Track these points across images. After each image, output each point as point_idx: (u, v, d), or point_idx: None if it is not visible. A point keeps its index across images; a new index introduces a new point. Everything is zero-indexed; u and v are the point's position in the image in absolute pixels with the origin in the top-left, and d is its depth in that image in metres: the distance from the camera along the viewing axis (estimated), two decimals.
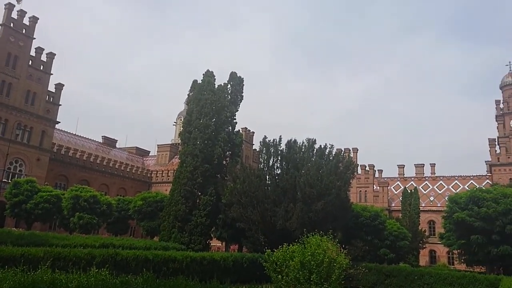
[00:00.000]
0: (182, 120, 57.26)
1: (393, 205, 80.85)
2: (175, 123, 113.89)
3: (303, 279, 18.03)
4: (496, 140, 77.64)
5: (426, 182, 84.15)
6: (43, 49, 61.48)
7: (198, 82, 39.83)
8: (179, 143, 74.60)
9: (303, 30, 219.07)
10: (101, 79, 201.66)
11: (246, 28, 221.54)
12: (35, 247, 16.95)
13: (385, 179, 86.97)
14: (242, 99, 40.37)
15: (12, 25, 57.43)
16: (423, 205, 75.38)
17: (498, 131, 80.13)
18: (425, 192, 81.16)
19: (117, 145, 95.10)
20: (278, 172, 33.37)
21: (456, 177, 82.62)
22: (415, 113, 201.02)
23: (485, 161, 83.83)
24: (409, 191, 71.26)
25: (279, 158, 33.55)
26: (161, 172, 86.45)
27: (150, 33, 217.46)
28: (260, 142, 35.08)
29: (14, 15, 58.09)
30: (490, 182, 69.61)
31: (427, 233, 68.34)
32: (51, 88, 63.20)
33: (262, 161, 34.47)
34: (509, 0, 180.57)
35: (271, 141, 34.14)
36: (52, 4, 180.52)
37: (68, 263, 16.20)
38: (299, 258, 18.61)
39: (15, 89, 57.13)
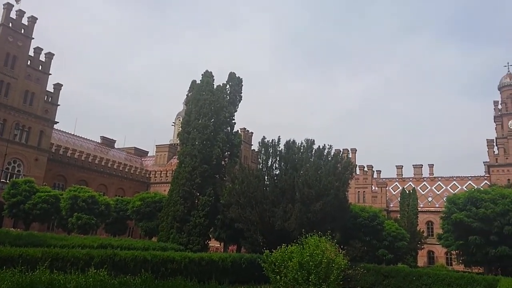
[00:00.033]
0: (181, 120, 57.29)
1: (391, 205, 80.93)
2: (173, 124, 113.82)
3: (301, 280, 18.05)
4: (495, 141, 77.81)
5: (424, 182, 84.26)
6: (41, 49, 61.42)
7: (197, 82, 39.85)
8: (177, 144, 74.57)
9: (303, 30, 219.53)
10: (100, 79, 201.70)
11: (246, 28, 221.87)
12: (33, 248, 16.91)
13: (384, 179, 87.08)
14: (241, 99, 40.42)
15: (10, 25, 57.36)
16: (421, 205, 75.43)
17: (497, 132, 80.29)
18: (423, 193, 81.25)
19: (116, 146, 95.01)
20: (277, 172, 33.37)
21: (454, 178, 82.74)
22: (414, 113, 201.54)
23: (483, 162, 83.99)
24: (407, 192, 71.33)
25: (278, 159, 33.55)
26: (159, 172, 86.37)
27: (149, 33, 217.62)
28: (259, 142, 35.12)
29: (13, 15, 58.02)
30: (488, 183, 69.73)
31: (425, 234, 68.39)
32: (50, 88, 63.13)
33: (260, 161, 34.47)
34: (509, 1, 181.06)
35: (270, 141, 34.16)
36: (51, 4, 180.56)
37: (66, 263, 16.17)
38: (297, 259, 18.63)
39: (13, 89, 57.04)
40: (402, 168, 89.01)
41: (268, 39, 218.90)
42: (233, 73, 40.54)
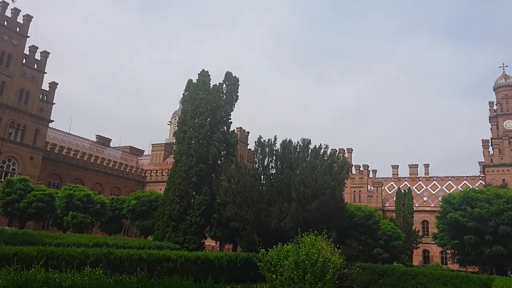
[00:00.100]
0: (177, 119, 57.17)
1: (387, 205, 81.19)
2: (169, 123, 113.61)
3: (297, 279, 18.04)
4: (490, 141, 78.23)
5: (420, 182, 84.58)
6: (37, 48, 61.15)
7: (193, 81, 39.77)
8: (173, 143, 74.42)
9: (301, 30, 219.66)
10: (96, 78, 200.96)
11: (244, 28, 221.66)
12: (28, 246, 16.84)
13: (379, 179, 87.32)
14: (237, 99, 40.34)
15: (6, 23, 57.08)
16: (416, 205, 75.76)
17: (492, 132, 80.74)
18: (418, 193, 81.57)
19: (111, 144, 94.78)
20: (273, 172, 33.38)
21: (450, 178, 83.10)
22: (410, 114, 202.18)
23: (479, 162, 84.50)
24: (403, 191, 71.60)
25: (274, 158, 33.56)
26: (155, 171, 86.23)
27: (146, 33, 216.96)
28: (255, 142, 35.13)
29: (8, 13, 57.72)
30: (483, 183, 70.10)
31: (420, 233, 68.74)
32: (45, 86, 62.88)
33: (257, 161, 34.47)
34: (506, 2, 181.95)
35: (266, 141, 34.19)
36: (49, 3, 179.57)
37: (62, 262, 16.13)
38: (293, 258, 18.61)
39: (8, 88, 56.75)
40: (397, 168, 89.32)
41: (267, 39, 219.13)
42: (230, 72, 40.49)
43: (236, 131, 49.92)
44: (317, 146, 33.84)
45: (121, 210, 50.68)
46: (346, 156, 79.13)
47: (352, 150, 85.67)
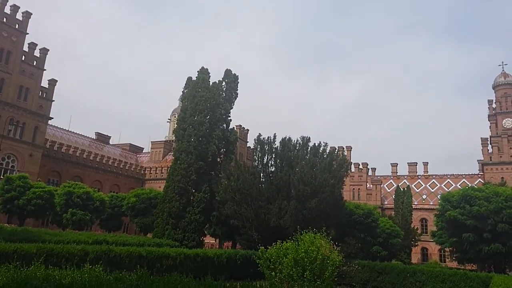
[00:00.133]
0: (176, 117, 57.13)
1: (386, 203, 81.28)
2: (169, 120, 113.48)
3: (296, 276, 18.11)
4: (489, 139, 78.27)
5: (419, 180, 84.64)
6: (36, 45, 61.00)
7: (193, 79, 39.72)
8: (173, 140, 74.44)
9: (302, 30, 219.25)
10: (95, 77, 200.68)
11: (244, 28, 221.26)
12: (27, 243, 16.88)
13: (378, 177, 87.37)
14: (237, 96, 40.32)
15: (5, 20, 56.92)
16: (415, 203, 75.83)
17: (491, 131, 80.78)
18: (417, 191, 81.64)
19: (111, 142, 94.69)
20: (272, 169, 33.41)
21: (449, 176, 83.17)
22: (409, 112, 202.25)
23: (477, 160, 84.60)
24: (402, 189, 71.64)
25: (273, 156, 33.59)
26: (154, 169, 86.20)
27: (147, 32, 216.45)
28: (255, 139, 35.14)
29: (7, 10, 57.56)
30: (482, 181, 70.17)
31: (419, 231, 68.86)
32: (44, 84, 62.77)
33: (256, 158, 34.49)
34: (508, 1, 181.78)
35: (266, 138, 34.19)
36: (49, 1, 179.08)
37: (61, 259, 16.17)
38: (292, 255, 18.69)
39: (7, 85, 56.65)
40: (396, 166, 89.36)
41: (267, 39, 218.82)
42: (229, 70, 40.43)
43: (235, 128, 49.95)
44: (316, 144, 33.87)
45: (120, 208, 50.70)
46: (345, 154, 79.10)
47: (351, 148, 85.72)
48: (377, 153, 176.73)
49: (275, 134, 34.21)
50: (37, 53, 61.27)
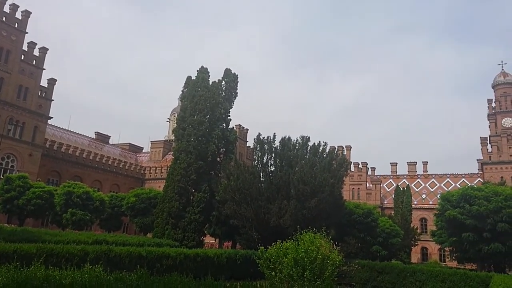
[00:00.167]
0: (176, 116, 57.13)
1: (385, 202, 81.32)
2: (168, 120, 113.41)
3: (296, 276, 18.11)
4: (488, 138, 78.32)
5: (418, 180, 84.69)
6: (35, 44, 60.90)
7: (192, 78, 39.69)
8: (172, 140, 74.39)
9: (302, 30, 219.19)
10: (95, 76, 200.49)
11: (244, 28, 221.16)
12: (27, 244, 16.87)
13: (378, 176, 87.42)
14: (237, 96, 40.29)
15: (4, 19, 56.81)
16: (415, 202, 75.85)
17: (490, 130, 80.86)
18: (417, 190, 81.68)
19: (110, 141, 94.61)
20: (272, 169, 33.41)
21: (448, 175, 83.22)
22: (408, 111, 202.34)
23: (477, 160, 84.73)
24: (401, 189, 71.63)
25: (273, 155, 33.59)
26: (154, 168, 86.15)
27: (147, 32, 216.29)
28: (254, 139, 35.14)
29: (6, 9, 57.46)
30: (482, 180, 70.23)
31: (419, 231, 68.85)
32: (44, 83, 62.69)
33: (256, 158, 34.49)
34: (508, 1, 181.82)
35: (265, 138, 34.18)
36: (48, 1, 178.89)
37: (61, 259, 16.16)
38: (292, 255, 18.69)
39: (6, 84, 56.57)
40: (396, 165, 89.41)
41: (267, 39, 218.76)
42: (229, 69, 40.41)
43: (235, 128, 49.91)
44: (316, 144, 33.88)
45: (120, 207, 50.66)
46: (345, 153, 79.16)
47: (351, 147, 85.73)
48: (376, 152, 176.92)
49: (274, 133, 34.27)
50: (36, 52, 61.17)
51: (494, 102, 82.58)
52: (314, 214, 29.13)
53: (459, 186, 63.12)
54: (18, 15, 58.90)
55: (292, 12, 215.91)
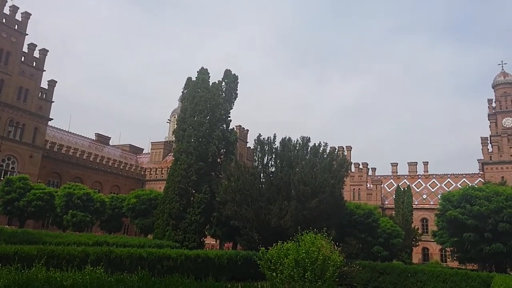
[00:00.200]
0: (176, 117, 57.08)
1: (386, 203, 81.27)
2: (169, 121, 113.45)
3: (297, 277, 18.07)
4: (489, 138, 78.28)
5: (419, 180, 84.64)
6: (35, 46, 60.96)
7: (193, 79, 39.69)
8: (173, 141, 74.35)
9: (302, 30, 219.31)
10: (95, 77, 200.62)
11: (244, 28, 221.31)
12: (28, 245, 16.84)
13: (379, 177, 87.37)
14: (237, 96, 40.27)
15: (4, 20, 56.90)
16: (416, 203, 75.85)
17: (491, 130, 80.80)
18: (418, 190, 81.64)
19: (111, 143, 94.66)
20: (273, 170, 33.37)
21: (449, 175, 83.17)
22: (409, 112, 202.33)
23: (478, 160, 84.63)
24: (402, 189, 71.64)
25: (274, 156, 33.55)
26: (154, 169, 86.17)
27: (147, 32, 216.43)
28: (255, 140, 35.12)
29: (7, 10, 57.54)
30: (483, 180, 70.17)
31: (420, 231, 68.81)
32: (44, 84, 62.74)
33: (256, 159, 34.46)
34: (508, 1, 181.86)
35: (266, 139, 34.17)
36: (48, 1, 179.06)
37: (62, 261, 16.14)
38: (293, 256, 18.65)
39: (7, 86, 56.62)
40: (397, 165, 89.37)
41: (267, 39, 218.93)
42: (229, 70, 40.39)
43: (235, 129, 49.93)
44: (316, 144, 33.84)
45: (120, 209, 50.65)
46: (346, 154, 79.12)
47: (351, 148, 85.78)
48: (377, 153, 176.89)
49: (275, 134, 34.24)
50: (36, 54, 61.25)
51: (494, 102, 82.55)
52: (314, 215, 29.10)
53: (460, 186, 63.08)
54: (18, 16, 58.99)
55: (292, 12, 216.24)
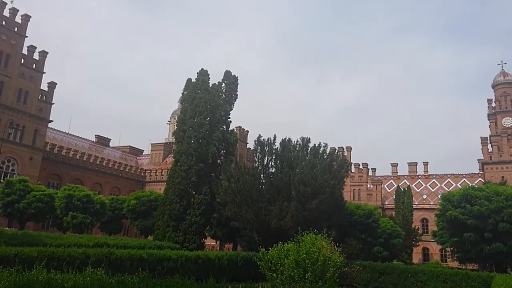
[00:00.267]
0: (176, 118, 57.12)
1: (386, 203, 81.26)
2: (169, 122, 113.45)
3: (298, 277, 18.08)
4: (489, 138, 78.31)
5: (419, 180, 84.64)
6: (35, 48, 61.03)
7: (192, 81, 39.73)
8: (173, 142, 74.35)
9: (302, 30, 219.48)
10: (95, 78, 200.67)
11: (244, 28, 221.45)
12: (28, 247, 16.84)
13: (379, 177, 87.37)
14: (237, 97, 40.30)
15: (4, 23, 56.96)
16: (416, 203, 75.84)
17: (490, 130, 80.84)
18: (418, 190, 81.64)
19: (111, 144, 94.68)
20: (273, 170, 33.38)
21: (449, 176, 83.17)
22: (409, 112, 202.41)
23: (478, 160, 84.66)
24: (402, 189, 71.65)
25: (274, 157, 33.56)
26: (155, 171, 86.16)
27: (147, 32, 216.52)
28: (255, 141, 35.14)
29: (6, 13, 57.60)
30: (483, 180, 70.17)
31: (420, 231, 68.81)
32: (44, 86, 62.78)
33: (256, 160, 34.48)
34: (508, 1, 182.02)
35: (266, 140, 34.18)
36: (49, 2, 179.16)
37: (62, 263, 16.13)
38: (294, 257, 18.66)
39: (7, 88, 56.66)
40: (397, 166, 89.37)
41: (267, 39, 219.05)
42: (229, 71, 40.43)
43: (235, 130, 49.92)
44: (316, 145, 33.86)
45: (121, 210, 50.66)
46: (346, 154, 79.15)
47: (351, 148, 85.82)
48: (377, 153, 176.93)
49: (275, 135, 34.27)
50: (36, 56, 61.32)
51: (494, 102, 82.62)
52: (315, 216, 29.10)
53: (460, 186, 63.10)
54: (18, 19, 59.08)
55: (292, 12, 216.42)
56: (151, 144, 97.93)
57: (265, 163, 33.70)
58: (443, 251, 66.72)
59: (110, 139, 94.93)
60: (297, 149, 33.64)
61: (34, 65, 60.76)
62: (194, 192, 35.77)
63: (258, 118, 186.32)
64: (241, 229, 31.98)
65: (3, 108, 55.80)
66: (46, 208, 43.31)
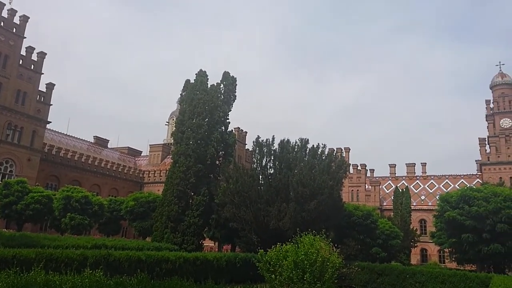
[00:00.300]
0: (175, 119, 57.16)
1: (384, 204, 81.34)
2: (167, 123, 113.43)
3: (296, 279, 18.07)
4: (486, 139, 78.44)
5: (417, 181, 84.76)
6: (34, 48, 60.95)
7: (191, 81, 39.75)
8: (171, 143, 74.34)
9: (302, 30, 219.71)
10: (93, 79, 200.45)
11: (244, 28, 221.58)
12: (26, 249, 16.80)
13: (377, 178, 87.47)
14: (235, 99, 40.36)
15: (2, 24, 56.87)
16: (414, 204, 75.88)
17: (488, 131, 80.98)
18: (416, 191, 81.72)
19: (109, 145, 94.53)
20: (271, 171, 33.40)
21: (447, 176, 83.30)
22: (407, 112, 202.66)
23: (476, 160, 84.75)
24: (400, 190, 71.67)
25: (272, 158, 33.59)
26: (153, 172, 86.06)
27: (146, 32, 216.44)
28: (253, 142, 35.16)
29: (5, 14, 57.51)
30: (481, 181, 70.27)
31: (418, 232, 68.91)
32: (42, 87, 62.71)
33: (255, 161, 34.49)
34: (508, 1, 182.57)
35: (264, 141, 34.20)
36: (48, 3, 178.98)
37: (61, 264, 16.09)
38: (292, 258, 18.64)
39: (5, 89, 56.57)
40: (395, 166, 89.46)
41: (267, 39, 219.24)
42: (227, 72, 40.49)
43: (234, 131, 49.94)
44: (315, 146, 33.91)
45: (119, 212, 50.60)
46: (344, 155, 79.29)
47: (349, 149, 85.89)
48: (375, 154, 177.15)
49: (273, 136, 34.30)
50: (34, 57, 61.23)
51: (492, 102, 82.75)
52: (313, 217, 29.13)
53: (458, 187, 63.24)
54: (16, 20, 58.97)
55: (292, 12, 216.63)
56: (150, 145, 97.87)
57: (263, 164, 33.71)
58: (441, 252, 66.81)
59: (109, 140, 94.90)
60: (296, 150, 33.68)
61: (32, 66, 60.67)
62: (192, 193, 35.78)
63: (257, 118, 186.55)
64: (239, 230, 31.98)
65: (1, 109, 55.68)
66: (44, 210, 43.21)
